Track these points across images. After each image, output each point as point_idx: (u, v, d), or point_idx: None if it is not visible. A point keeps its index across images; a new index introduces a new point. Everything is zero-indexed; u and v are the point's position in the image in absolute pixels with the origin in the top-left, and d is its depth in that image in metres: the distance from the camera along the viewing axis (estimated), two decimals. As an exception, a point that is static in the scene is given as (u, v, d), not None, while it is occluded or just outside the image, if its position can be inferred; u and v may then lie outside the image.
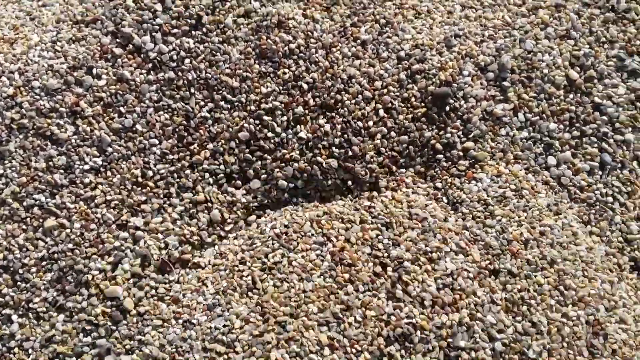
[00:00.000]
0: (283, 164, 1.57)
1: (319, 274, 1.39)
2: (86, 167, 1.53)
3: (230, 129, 1.58)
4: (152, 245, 1.47)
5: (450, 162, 1.59)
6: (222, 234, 1.53)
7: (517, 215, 1.50)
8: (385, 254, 1.42)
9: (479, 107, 1.61)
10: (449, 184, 1.57)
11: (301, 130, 1.58)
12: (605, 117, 1.64)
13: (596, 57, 1.69)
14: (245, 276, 1.41)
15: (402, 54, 1.67)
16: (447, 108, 1.61)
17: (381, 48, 1.68)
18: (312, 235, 1.45)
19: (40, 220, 1.48)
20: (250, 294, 1.38)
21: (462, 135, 1.60)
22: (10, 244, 1.46)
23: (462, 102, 1.61)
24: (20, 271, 1.44)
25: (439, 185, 1.58)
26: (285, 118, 1.59)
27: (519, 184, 1.54)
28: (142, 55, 1.62)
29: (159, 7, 1.66)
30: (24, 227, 1.48)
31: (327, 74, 1.63)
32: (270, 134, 1.59)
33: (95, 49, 1.62)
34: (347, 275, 1.39)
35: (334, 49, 1.66)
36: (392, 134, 1.60)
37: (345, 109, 1.60)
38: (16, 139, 1.54)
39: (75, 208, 1.49)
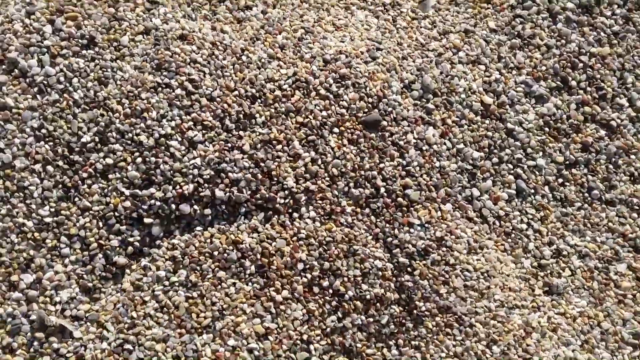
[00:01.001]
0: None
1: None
2: None
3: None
4: (47, 306, 1.33)
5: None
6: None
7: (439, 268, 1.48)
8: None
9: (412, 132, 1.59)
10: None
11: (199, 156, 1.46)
12: (518, 143, 1.66)
13: (506, 82, 1.72)
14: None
15: (328, 57, 1.62)
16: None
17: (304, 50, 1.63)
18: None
19: None
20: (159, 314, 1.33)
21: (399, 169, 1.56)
22: None
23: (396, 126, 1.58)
24: None
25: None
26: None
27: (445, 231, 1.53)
28: (27, 80, 1.44)
29: (48, 29, 1.50)
30: None
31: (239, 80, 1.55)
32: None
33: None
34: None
35: (246, 53, 1.59)
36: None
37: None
38: None
39: None
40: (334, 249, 1.41)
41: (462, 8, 1.84)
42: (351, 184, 1.50)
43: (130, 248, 1.38)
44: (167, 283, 1.36)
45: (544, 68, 1.75)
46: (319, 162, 1.50)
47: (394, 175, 1.53)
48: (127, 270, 1.37)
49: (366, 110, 1.58)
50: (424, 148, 1.58)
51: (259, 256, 1.39)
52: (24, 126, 1.41)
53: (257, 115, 1.51)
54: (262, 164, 1.46)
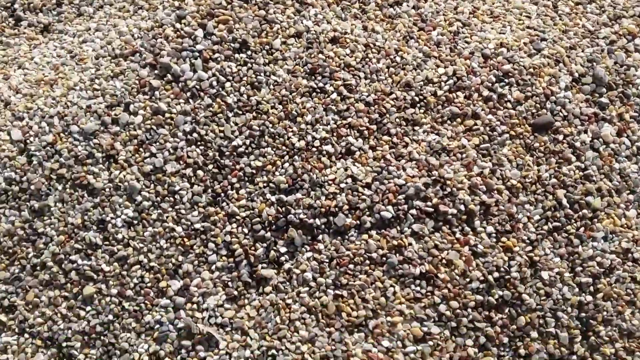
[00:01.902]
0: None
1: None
2: (118, 220, 1.37)
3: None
4: (194, 313, 1.32)
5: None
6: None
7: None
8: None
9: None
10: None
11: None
12: None
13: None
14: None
15: (488, 52, 1.50)
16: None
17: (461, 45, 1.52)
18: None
19: (80, 286, 1.33)
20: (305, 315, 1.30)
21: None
22: (53, 313, 1.33)
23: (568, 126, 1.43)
24: (64, 344, 1.31)
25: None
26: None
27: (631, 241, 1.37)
28: (180, 85, 1.44)
29: (199, 33, 1.49)
30: (65, 294, 1.34)
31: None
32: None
33: (133, 84, 1.45)
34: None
35: (400, 54, 1.51)
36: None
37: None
38: (56, 191, 1.40)
39: (110, 271, 1.35)
40: (514, 272, 1.31)
41: (634, -11, 1.64)
42: (531, 197, 1.37)
43: (273, 254, 1.34)
44: (313, 284, 1.31)
45: None
46: (497, 173, 1.38)
47: (574, 181, 1.38)
48: (272, 276, 1.33)
49: (534, 110, 1.44)
50: (600, 148, 1.41)
51: (426, 265, 1.30)
52: (177, 130, 1.41)
53: (421, 120, 1.43)
54: (434, 171, 1.37)
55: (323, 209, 1.34)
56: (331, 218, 1.34)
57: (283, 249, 1.33)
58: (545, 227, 1.35)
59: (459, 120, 1.43)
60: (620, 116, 1.45)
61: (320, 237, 1.34)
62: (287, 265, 1.33)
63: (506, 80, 1.46)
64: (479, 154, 1.40)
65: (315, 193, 1.36)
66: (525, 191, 1.37)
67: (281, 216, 1.35)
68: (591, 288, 1.31)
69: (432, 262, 1.31)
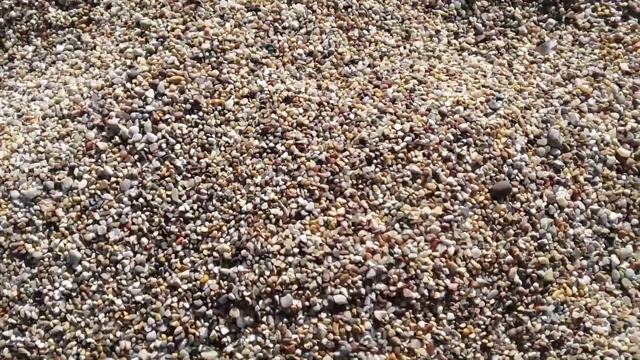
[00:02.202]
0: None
1: None
2: (56, 292, 1.31)
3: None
4: None
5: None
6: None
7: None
8: None
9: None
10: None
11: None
12: (663, 200, 1.46)
13: (645, 131, 1.52)
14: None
15: (444, 109, 1.48)
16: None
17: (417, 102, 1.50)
18: None
19: (11, 364, 1.26)
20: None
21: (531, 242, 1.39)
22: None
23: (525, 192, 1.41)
24: None
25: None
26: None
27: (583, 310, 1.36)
28: (127, 147, 1.40)
29: (150, 93, 1.45)
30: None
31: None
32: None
33: (79, 146, 1.41)
34: None
35: (354, 110, 1.48)
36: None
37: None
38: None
39: (44, 348, 1.29)
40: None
41: (587, 49, 1.66)
42: (488, 278, 1.34)
43: (214, 334, 1.27)
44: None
45: (690, 113, 1.54)
46: (460, 253, 1.33)
47: (528, 254, 1.36)
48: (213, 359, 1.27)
49: (492, 174, 1.42)
50: (555, 214, 1.40)
51: (386, 354, 1.26)
52: (122, 195, 1.37)
53: (379, 179, 1.39)
54: (396, 248, 1.31)
55: (268, 288, 1.28)
56: (277, 297, 1.28)
57: (225, 330, 1.27)
58: (500, 309, 1.33)
59: (419, 181, 1.40)
60: (574, 179, 1.45)
61: (264, 318, 1.27)
62: (229, 348, 1.26)
63: (464, 140, 1.44)
64: (442, 227, 1.35)
65: (259, 266, 1.30)
66: (484, 272, 1.34)
67: (223, 292, 1.29)
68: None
69: (393, 350, 1.26)
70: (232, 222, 1.35)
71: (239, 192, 1.38)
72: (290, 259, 1.30)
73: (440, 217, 1.36)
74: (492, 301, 1.32)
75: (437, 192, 1.38)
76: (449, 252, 1.32)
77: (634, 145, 1.50)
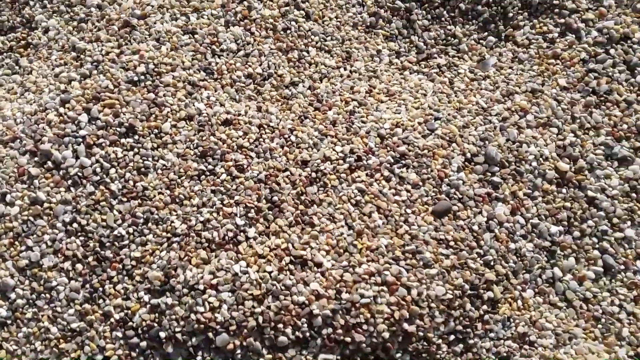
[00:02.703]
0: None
1: None
2: None
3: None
4: None
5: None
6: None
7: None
8: None
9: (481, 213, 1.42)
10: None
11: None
12: (602, 213, 1.47)
13: (583, 145, 1.53)
14: None
15: (383, 132, 1.49)
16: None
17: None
18: None
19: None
20: None
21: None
22: None
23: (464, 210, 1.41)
24: None
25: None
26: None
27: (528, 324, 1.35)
28: (61, 172, 1.37)
29: (83, 117, 1.42)
30: None
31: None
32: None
33: (11, 172, 1.39)
34: None
35: (295, 133, 1.48)
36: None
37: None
38: None
39: None
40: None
41: (526, 65, 1.68)
42: (443, 314, 1.30)
43: None
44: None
45: (625, 126, 1.56)
46: (423, 293, 1.29)
47: (477, 274, 1.35)
48: None
49: (432, 194, 1.42)
50: (496, 230, 1.41)
51: None
52: (55, 221, 1.34)
53: (323, 201, 1.38)
54: (344, 293, 1.26)
55: (201, 325, 1.24)
56: (211, 335, 1.23)
57: None
58: (455, 342, 1.31)
59: (365, 200, 1.38)
60: (513, 194, 1.46)
61: (199, 354, 1.23)
62: None
63: (403, 162, 1.45)
64: (397, 260, 1.32)
65: (189, 300, 1.25)
66: (440, 304, 1.31)
67: (155, 325, 1.25)
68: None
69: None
70: (165, 245, 1.33)
71: (174, 213, 1.36)
72: (224, 295, 1.26)
73: (400, 247, 1.33)
74: (450, 337, 1.30)
75: (387, 214, 1.37)
76: (413, 295, 1.28)
77: (573, 159, 1.52)
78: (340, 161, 1.43)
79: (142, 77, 1.49)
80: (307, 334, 1.23)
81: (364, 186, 1.40)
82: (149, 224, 1.34)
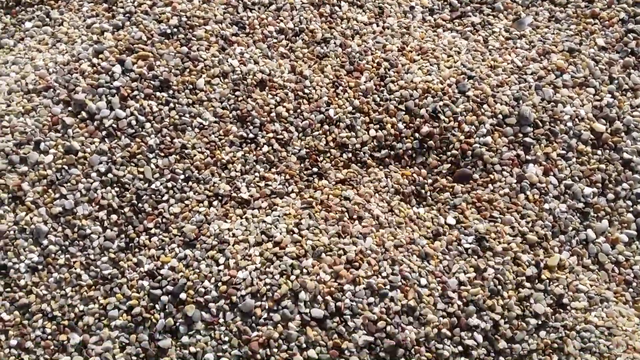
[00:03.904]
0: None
1: None
2: (22, 265, 1.29)
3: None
4: None
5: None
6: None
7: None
8: None
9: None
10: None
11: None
12: (637, 176, 1.45)
13: (620, 106, 1.50)
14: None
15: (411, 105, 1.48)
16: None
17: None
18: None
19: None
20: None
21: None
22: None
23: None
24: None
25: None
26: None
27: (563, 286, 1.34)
28: (95, 123, 1.38)
29: (117, 69, 1.43)
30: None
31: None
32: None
33: (44, 121, 1.39)
34: None
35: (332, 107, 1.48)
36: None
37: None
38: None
39: (10, 320, 1.26)
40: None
41: (564, 25, 1.64)
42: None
43: (171, 321, 1.25)
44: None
45: (663, 88, 1.52)
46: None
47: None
48: (168, 347, 1.23)
49: (454, 160, 1.43)
50: (527, 192, 1.40)
51: None
52: (90, 171, 1.35)
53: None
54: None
55: (224, 288, 1.24)
56: (234, 299, 1.23)
57: (181, 323, 1.24)
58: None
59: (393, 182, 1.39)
60: (547, 155, 1.44)
61: (220, 317, 1.23)
62: (185, 339, 1.23)
63: (425, 145, 1.45)
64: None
65: (214, 256, 1.27)
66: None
67: (180, 279, 1.26)
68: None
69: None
70: (205, 203, 1.34)
71: (217, 175, 1.37)
72: (254, 250, 1.27)
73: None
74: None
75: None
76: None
77: (609, 120, 1.49)
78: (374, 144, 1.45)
79: (175, 30, 1.48)
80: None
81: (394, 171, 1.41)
82: (190, 182, 1.36)
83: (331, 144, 1.44)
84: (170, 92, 1.42)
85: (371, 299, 1.23)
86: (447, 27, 1.67)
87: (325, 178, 1.39)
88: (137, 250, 1.31)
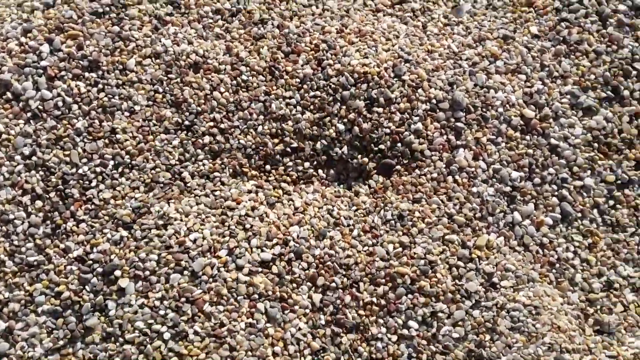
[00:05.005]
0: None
1: None
2: None
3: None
4: None
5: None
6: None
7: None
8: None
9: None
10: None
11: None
12: (563, 161, 1.50)
13: (549, 93, 1.54)
14: None
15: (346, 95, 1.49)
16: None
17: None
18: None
19: None
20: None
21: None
22: None
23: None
24: None
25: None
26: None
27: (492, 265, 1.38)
28: (20, 104, 1.35)
29: (45, 48, 1.39)
30: None
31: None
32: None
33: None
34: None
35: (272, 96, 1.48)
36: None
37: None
38: None
39: None
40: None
41: (500, 12, 1.67)
42: None
43: (101, 299, 1.25)
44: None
45: (592, 77, 1.57)
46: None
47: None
48: (95, 325, 1.24)
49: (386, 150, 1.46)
50: (456, 176, 1.43)
51: None
52: (14, 154, 1.32)
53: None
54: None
55: (169, 257, 1.27)
56: (183, 264, 1.26)
57: (110, 299, 1.25)
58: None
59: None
60: (477, 140, 1.47)
61: (156, 285, 1.25)
62: (112, 313, 1.24)
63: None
64: None
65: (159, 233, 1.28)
66: None
67: (112, 259, 1.27)
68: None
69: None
70: (142, 189, 1.34)
71: (152, 161, 1.37)
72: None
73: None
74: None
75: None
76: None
77: (539, 106, 1.53)
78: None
79: (107, 8, 1.46)
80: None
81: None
82: (121, 168, 1.35)
83: (276, 140, 1.44)
84: (100, 72, 1.40)
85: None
86: (388, 12, 1.68)
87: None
88: (64, 236, 1.29)
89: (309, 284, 1.27)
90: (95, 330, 1.23)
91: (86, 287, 1.25)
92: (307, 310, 1.26)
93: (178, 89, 1.42)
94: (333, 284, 1.28)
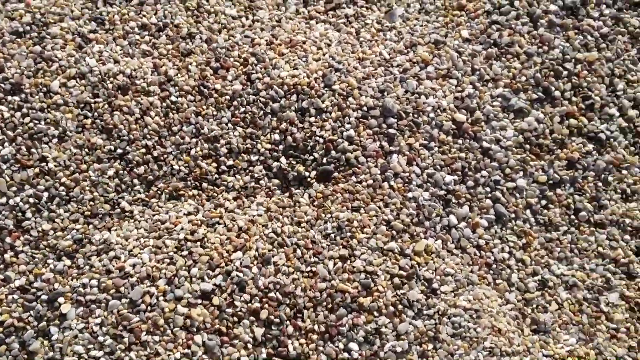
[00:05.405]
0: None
1: None
2: None
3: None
4: None
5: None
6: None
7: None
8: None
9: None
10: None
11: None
12: (495, 163, 1.51)
13: (481, 97, 1.56)
14: None
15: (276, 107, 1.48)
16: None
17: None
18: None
19: None
20: None
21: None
22: None
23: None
24: None
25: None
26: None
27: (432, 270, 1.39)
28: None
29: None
30: None
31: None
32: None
33: None
34: None
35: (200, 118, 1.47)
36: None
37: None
38: None
39: None
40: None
41: (432, 17, 1.68)
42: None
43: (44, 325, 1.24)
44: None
45: (523, 78, 1.59)
46: None
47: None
48: (38, 350, 1.23)
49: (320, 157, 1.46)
50: (392, 182, 1.44)
51: None
52: None
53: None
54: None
55: (109, 283, 1.26)
56: (122, 290, 1.25)
57: (53, 325, 1.24)
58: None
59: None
60: (410, 146, 1.48)
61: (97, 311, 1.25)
62: (54, 337, 1.23)
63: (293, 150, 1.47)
64: None
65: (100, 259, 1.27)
66: None
67: (57, 287, 1.26)
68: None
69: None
70: (81, 220, 1.33)
71: (89, 193, 1.35)
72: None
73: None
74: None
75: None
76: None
77: (470, 110, 1.55)
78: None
79: (28, 27, 1.43)
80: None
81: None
82: (57, 200, 1.33)
83: (210, 162, 1.44)
84: (23, 95, 1.37)
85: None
86: (321, 19, 1.68)
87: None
88: (2, 267, 1.27)
89: (251, 318, 1.25)
90: (37, 354, 1.21)
91: (31, 313, 1.24)
92: (249, 345, 1.25)
93: (108, 113, 1.40)
94: (277, 319, 1.26)
